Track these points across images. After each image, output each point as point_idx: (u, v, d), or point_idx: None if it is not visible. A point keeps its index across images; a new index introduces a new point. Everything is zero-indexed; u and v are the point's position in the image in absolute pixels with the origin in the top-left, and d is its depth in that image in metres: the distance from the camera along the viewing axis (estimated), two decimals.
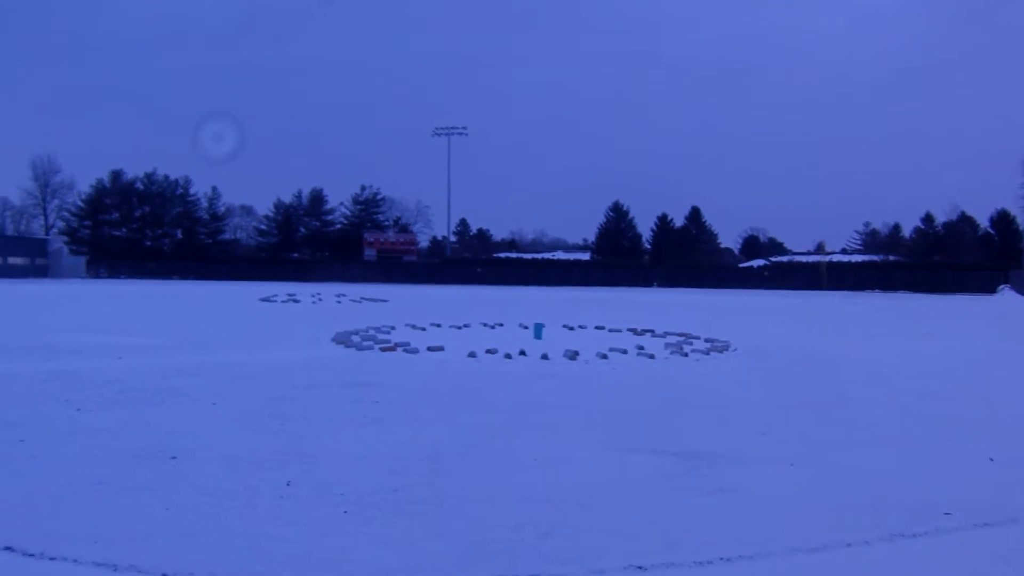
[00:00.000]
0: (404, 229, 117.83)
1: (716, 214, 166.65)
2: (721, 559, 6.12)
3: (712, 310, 43.94)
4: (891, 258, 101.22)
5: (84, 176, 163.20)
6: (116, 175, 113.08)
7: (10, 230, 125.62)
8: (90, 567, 5.88)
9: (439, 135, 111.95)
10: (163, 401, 12.73)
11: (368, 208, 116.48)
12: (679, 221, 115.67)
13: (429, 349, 20.28)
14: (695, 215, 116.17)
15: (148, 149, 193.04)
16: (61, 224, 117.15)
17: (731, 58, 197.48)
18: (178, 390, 13.78)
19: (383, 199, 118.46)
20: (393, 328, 26.85)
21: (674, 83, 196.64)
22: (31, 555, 6.08)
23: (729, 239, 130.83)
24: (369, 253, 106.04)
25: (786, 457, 9.45)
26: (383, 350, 20.26)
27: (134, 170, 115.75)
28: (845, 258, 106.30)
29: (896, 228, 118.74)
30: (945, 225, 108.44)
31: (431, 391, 14.34)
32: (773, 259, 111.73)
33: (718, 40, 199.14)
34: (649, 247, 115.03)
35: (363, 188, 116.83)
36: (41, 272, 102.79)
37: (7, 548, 6.20)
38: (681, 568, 5.98)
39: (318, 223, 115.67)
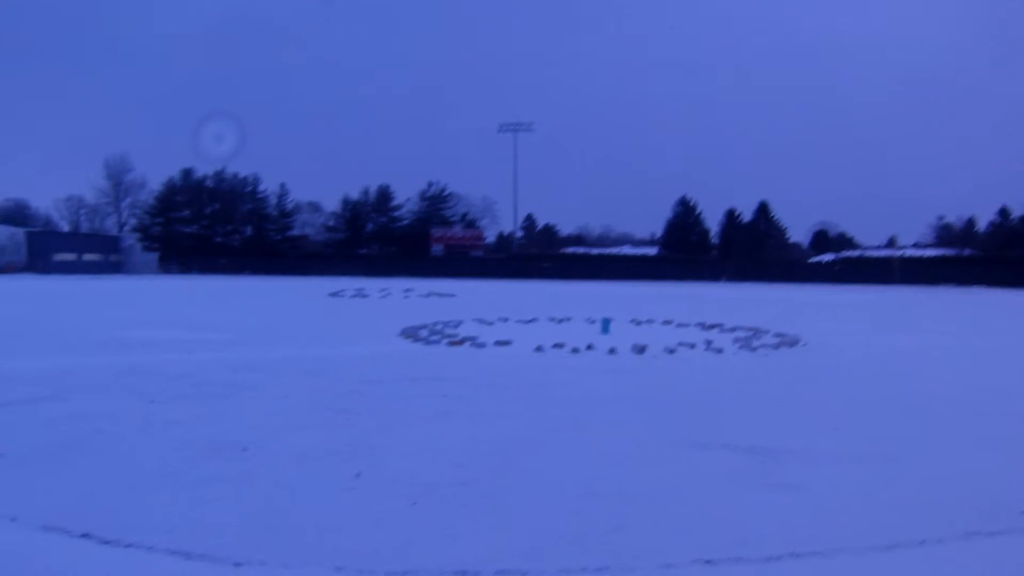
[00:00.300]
0: (471, 225, 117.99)
1: (785, 208, 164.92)
2: (791, 555, 6.06)
3: (781, 305, 43.47)
4: (966, 252, 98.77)
5: (156, 174, 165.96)
6: (187, 173, 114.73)
7: (85, 228, 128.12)
8: (164, 555, 5.98)
9: (505, 131, 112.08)
10: (234, 395, 12.91)
11: (435, 204, 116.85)
12: (747, 216, 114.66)
13: (497, 343, 20.33)
14: (763, 209, 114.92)
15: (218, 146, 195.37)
16: (134, 221, 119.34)
17: (799, 52, 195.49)
18: (248, 384, 13.95)
19: (450, 195, 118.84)
20: (461, 323, 26.97)
21: (742, 77, 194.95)
22: (108, 542, 6.20)
23: (798, 233, 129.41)
24: (436, 248, 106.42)
25: (857, 453, 9.33)
26: (451, 344, 20.35)
27: (204, 168, 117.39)
28: (918, 252, 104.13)
29: (970, 222, 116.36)
30: (1022, 218, 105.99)
31: (499, 385, 14.36)
32: (843, 254, 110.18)
33: (786, 35, 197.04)
34: (717, 242, 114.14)
35: (430, 184, 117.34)
36: (115, 268, 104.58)
37: (85, 535, 6.33)
38: (751, 564, 5.93)
39: (385, 219, 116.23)
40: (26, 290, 51.77)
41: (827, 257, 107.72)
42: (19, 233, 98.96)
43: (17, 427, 10.30)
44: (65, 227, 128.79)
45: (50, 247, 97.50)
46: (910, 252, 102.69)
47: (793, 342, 21.54)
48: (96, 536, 6.31)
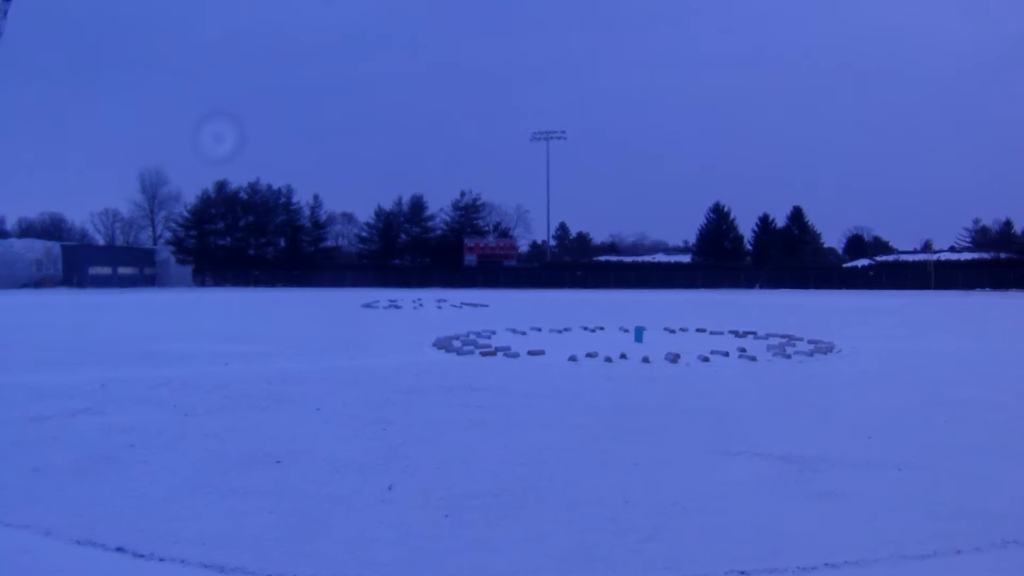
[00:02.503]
0: (504, 234, 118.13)
1: (819, 213, 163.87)
2: (826, 564, 6.01)
3: (816, 311, 43.26)
4: (1002, 255, 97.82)
5: (190, 187, 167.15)
6: (221, 185, 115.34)
7: (120, 241, 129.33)
8: (198, 568, 6.01)
9: (538, 139, 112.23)
10: (268, 407, 12.96)
11: (468, 214, 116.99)
12: (781, 221, 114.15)
13: (530, 353, 20.31)
14: (797, 215, 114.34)
15: (251, 159, 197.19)
16: (168, 234, 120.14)
17: (833, 55, 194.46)
18: (283, 396, 14.01)
19: (483, 204, 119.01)
20: (494, 333, 26.98)
21: (775, 82, 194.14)
22: (141, 556, 6.24)
23: (833, 239, 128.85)
24: (469, 258, 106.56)
25: (894, 461, 9.23)
26: (484, 355, 20.34)
27: (238, 180, 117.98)
28: (954, 256, 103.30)
29: (1008, 224, 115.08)
30: None
31: (532, 395, 14.34)
32: (878, 258, 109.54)
33: (821, 37, 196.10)
34: (751, 248, 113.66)
35: (463, 194, 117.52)
36: (150, 281, 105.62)
37: (119, 549, 6.37)
38: (785, 573, 5.88)
39: (419, 229, 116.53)
40: (62, 304, 52.27)
41: (862, 262, 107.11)
42: (55, 247, 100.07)
43: (52, 441, 10.39)
44: (100, 241, 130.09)
45: (85, 261, 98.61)
46: (946, 256, 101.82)
47: (828, 349, 21.40)
48: (130, 550, 6.34)
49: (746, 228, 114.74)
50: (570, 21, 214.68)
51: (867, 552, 6.25)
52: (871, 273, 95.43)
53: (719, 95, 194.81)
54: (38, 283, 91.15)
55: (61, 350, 22.00)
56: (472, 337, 24.94)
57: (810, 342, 23.22)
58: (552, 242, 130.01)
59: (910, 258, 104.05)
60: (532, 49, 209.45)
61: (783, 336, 25.02)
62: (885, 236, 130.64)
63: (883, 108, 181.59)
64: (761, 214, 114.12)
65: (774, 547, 6.38)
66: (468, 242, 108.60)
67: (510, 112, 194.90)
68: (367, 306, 48.11)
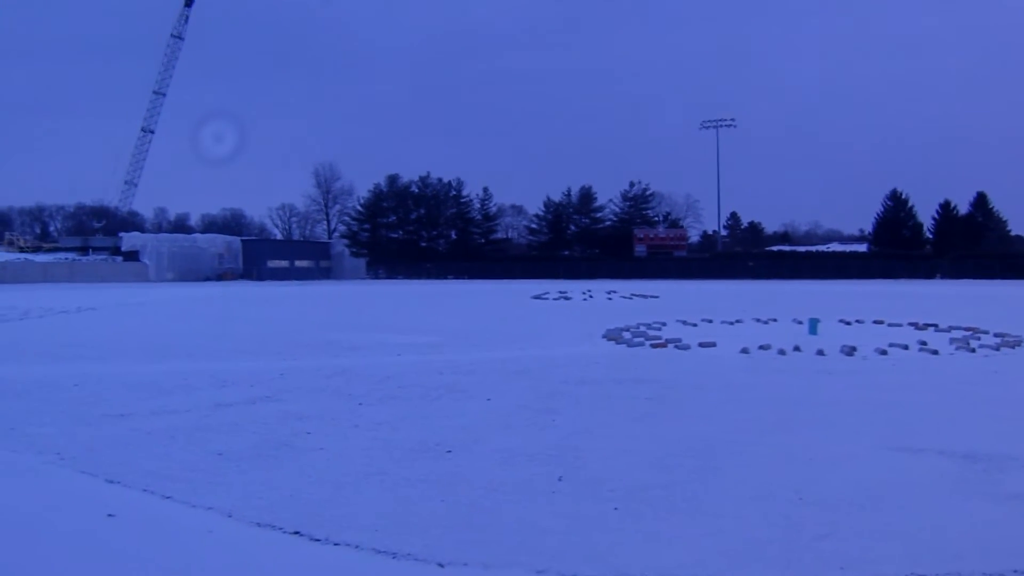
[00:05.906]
0: (674, 224, 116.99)
1: (1005, 199, 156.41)
2: (1015, 572, 5.73)
3: (1002, 302, 41.38)
4: None
5: (362, 182, 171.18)
6: (392, 179, 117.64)
7: (296, 235, 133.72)
8: (370, 554, 6.14)
9: (707, 128, 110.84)
10: (439, 397, 13.16)
11: (637, 204, 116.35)
12: (964, 208, 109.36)
13: (700, 345, 20.07)
14: (981, 201, 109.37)
15: (422, 154, 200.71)
16: (342, 228, 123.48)
17: (1013, 33, 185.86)
18: (454, 386, 14.20)
19: (652, 195, 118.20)
20: (664, 324, 26.76)
21: (955, 63, 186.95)
22: (317, 539, 6.43)
23: (1020, 226, 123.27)
24: (639, 249, 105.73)
25: None
26: (654, 346, 20.20)
27: (409, 174, 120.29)
28: None
29: None
30: None
31: (702, 387, 14.17)
32: None
33: (1003, 16, 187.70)
34: (931, 236, 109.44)
35: (632, 184, 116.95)
36: (325, 274, 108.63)
37: (296, 532, 6.57)
38: None
39: (588, 220, 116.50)
40: (242, 296, 54.27)
41: None
42: (236, 242, 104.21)
43: (235, 427, 10.80)
44: (278, 235, 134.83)
45: (264, 254, 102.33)
46: None
47: (1016, 343, 20.43)
48: (306, 533, 6.54)
49: (926, 216, 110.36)
50: (742, 7, 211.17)
51: None
52: None
53: (895, 78, 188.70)
54: (220, 276, 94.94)
55: (242, 340, 22.85)
56: (642, 328, 24.81)
57: (996, 335, 22.21)
58: (723, 232, 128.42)
59: None
60: (702, 37, 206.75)
61: (967, 329, 24.04)
62: None
63: None
64: (942, 200, 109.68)
65: (956, 550, 6.12)
66: (638, 233, 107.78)
67: (679, 100, 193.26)
68: (537, 297, 48.34)
